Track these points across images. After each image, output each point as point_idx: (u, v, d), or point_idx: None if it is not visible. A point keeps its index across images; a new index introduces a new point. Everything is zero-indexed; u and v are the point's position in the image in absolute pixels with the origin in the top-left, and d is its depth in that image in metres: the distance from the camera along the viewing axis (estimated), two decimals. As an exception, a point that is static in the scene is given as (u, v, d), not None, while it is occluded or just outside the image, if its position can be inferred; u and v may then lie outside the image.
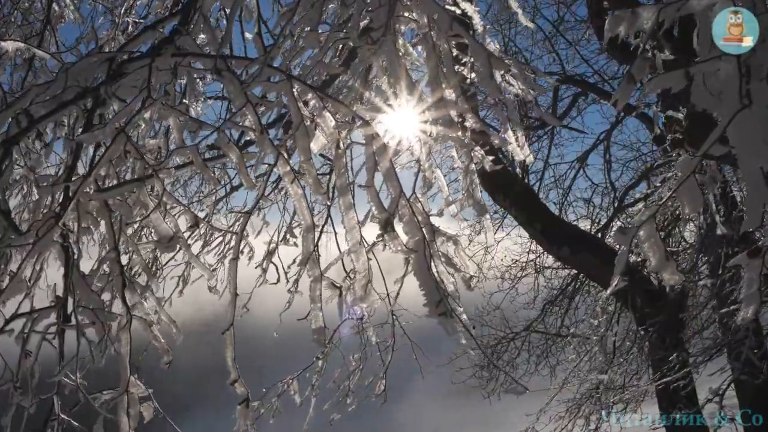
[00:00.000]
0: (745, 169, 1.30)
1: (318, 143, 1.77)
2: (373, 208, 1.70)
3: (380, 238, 1.69)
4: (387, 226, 1.64)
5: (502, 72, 2.88)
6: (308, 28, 2.19)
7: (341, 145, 1.77)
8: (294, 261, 4.75)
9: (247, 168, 1.90)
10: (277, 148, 1.75)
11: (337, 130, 1.76)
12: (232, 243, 5.13)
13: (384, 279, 1.90)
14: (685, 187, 1.39)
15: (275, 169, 1.84)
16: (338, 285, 1.81)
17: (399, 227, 1.69)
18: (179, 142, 1.88)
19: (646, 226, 1.44)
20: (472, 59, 2.40)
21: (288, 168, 1.76)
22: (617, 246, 1.50)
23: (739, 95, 1.32)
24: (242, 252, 5.08)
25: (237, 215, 5.11)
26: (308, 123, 1.74)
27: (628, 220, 8.50)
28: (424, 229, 1.67)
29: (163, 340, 1.77)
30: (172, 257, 4.68)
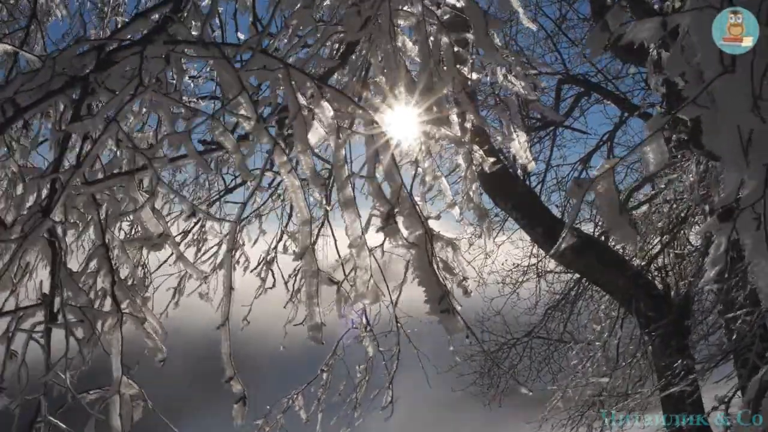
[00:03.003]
0: (723, 138, 1.28)
1: (316, 135, 1.75)
2: (375, 201, 1.68)
3: (381, 232, 1.66)
4: (389, 219, 1.62)
5: (503, 71, 2.89)
6: (303, 7, 2.17)
7: (341, 134, 1.75)
8: (295, 271, 4.73)
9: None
10: (275, 138, 1.74)
11: (335, 120, 1.75)
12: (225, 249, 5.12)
13: (387, 285, 1.88)
14: (651, 144, 1.35)
15: (268, 173, 1.83)
16: (336, 280, 1.78)
17: (399, 222, 1.67)
18: (170, 132, 1.86)
19: (604, 180, 1.39)
20: (472, 53, 2.40)
21: (285, 158, 1.74)
22: (620, 244, 1.48)
23: (720, 58, 1.31)
24: (238, 262, 5.08)
25: (231, 220, 5.09)
26: (306, 113, 1.73)
27: (635, 223, 8.50)
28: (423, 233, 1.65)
29: (156, 337, 1.76)
30: (161, 264, 4.66)
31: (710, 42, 1.34)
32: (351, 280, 1.91)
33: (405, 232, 1.64)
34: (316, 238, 5.22)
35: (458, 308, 1.58)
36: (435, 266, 1.63)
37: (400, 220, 1.66)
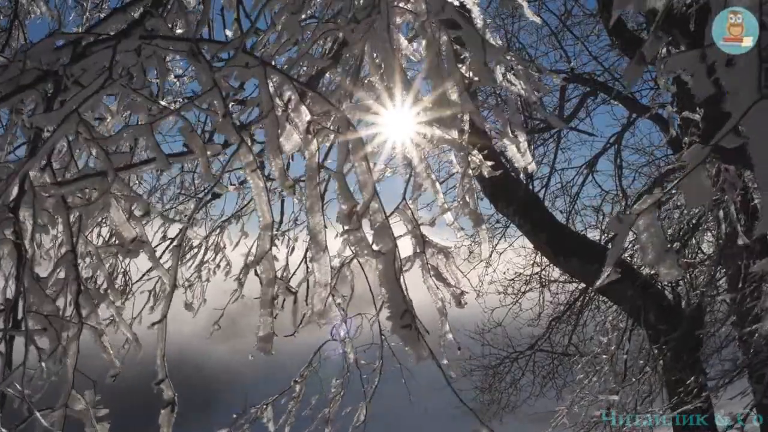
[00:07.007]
0: (759, 166, 1.28)
1: (291, 141, 1.72)
2: (339, 199, 1.66)
3: (344, 235, 1.64)
4: (350, 218, 1.59)
5: (502, 70, 2.86)
6: (290, 14, 2.15)
7: (311, 130, 1.73)
8: (279, 276, 4.70)
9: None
10: (241, 134, 1.72)
11: (309, 124, 1.73)
12: (208, 255, 5.10)
13: (373, 297, 1.85)
14: (691, 179, 1.34)
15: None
16: (294, 290, 1.76)
17: (371, 235, 1.64)
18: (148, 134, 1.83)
19: (647, 214, 1.41)
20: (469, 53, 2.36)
21: (251, 158, 1.73)
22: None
23: (758, 84, 1.29)
24: (219, 266, 5.06)
25: (215, 224, 5.08)
26: (280, 113, 1.70)
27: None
28: (414, 239, 1.62)
29: (111, 352, 1.73)
30: (144, 275, 4.63)
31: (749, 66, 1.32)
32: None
33: (375, 247, 1.61)
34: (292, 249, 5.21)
35: (448, 331, 1.55)
36: (402, 281, 1.60)
37: (369, 233, 1.63)
